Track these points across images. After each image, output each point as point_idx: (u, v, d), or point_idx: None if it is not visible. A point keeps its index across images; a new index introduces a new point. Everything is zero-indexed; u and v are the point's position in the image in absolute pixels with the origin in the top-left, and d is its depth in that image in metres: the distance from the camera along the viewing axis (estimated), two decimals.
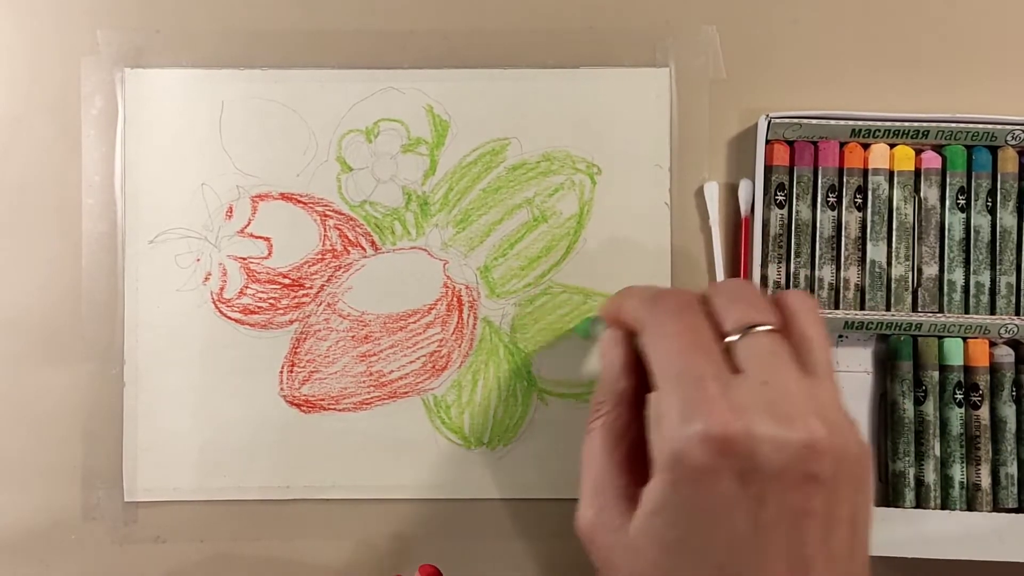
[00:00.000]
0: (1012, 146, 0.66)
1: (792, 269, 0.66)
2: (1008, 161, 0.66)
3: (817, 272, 0.66)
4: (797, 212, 0.66)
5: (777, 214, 0.66)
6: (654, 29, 0.67)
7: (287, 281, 0.66)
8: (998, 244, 0.66)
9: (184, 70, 0.66)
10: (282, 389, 0.66)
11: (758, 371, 0.46)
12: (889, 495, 0.66)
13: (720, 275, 0.66)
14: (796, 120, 0.65)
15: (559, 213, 0.66)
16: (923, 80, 0.68)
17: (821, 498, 0.44)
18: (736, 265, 0.67)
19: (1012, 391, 0.66)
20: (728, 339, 0.47)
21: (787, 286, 0.66)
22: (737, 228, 0.67)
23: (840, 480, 0.45)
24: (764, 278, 0.66)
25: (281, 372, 0.66)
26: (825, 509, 0.44)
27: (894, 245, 0.66)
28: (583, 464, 0.51)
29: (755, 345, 0.47)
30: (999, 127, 0.65)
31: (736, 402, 0.44)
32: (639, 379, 0.51)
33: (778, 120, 0.65)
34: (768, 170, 0.66)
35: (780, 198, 0.66)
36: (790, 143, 0.66)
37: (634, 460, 0.49)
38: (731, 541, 0.44)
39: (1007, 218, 0.66)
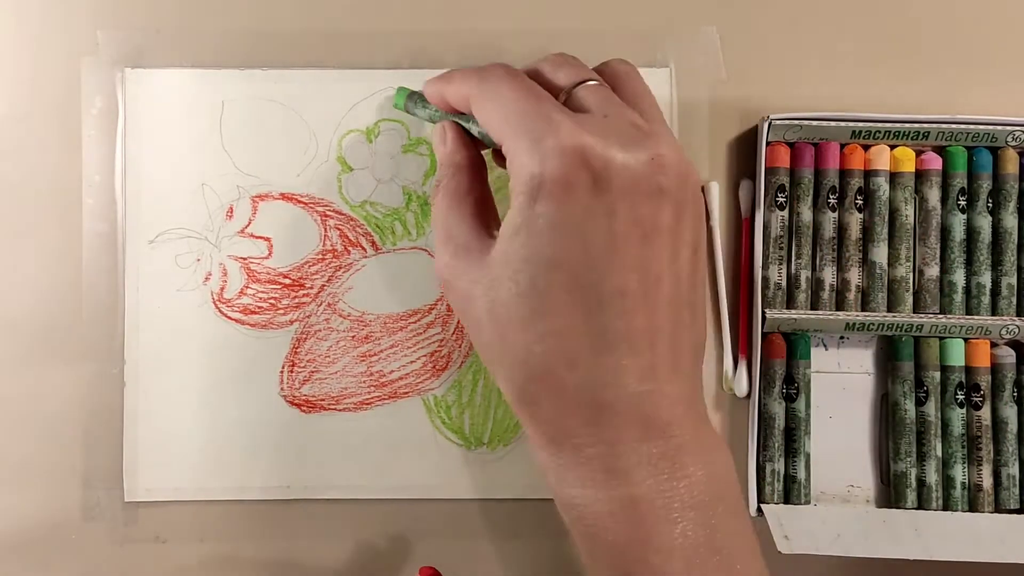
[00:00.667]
0: (1013, 147, 0.66)
1: (793, 271, 0.66)
2: (1009, 162, 0.66)
3: (818, 274, 0.66)
4: (798, 214, 0.66)
5: (778, 216, 0.66)
6: (654, 30, 0.67)
7: (287, 281, 0.66)
8: (999, 245, 0.66)
9: (185, 70, 0.66)
10: (282, 389, 0.65)
11: (598, 109, 0.49)
12: (891, 496, 0.66)
13: (721, 276, 0.66)
14: (796, 121, 0.65)
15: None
16: (924, 81, 0.68)
17: (668, 213, 0.47)
18: (737, 265, 0.67)
19: (1013, 392, 0.65)
20: (561, 98, 0.50)
21: (788, 287, 0.66)
22: (738, 228, 0.67)
23: (685, 199, 0.48)
24: (765, 279, 0.65)
25: (281, 372, 0.65)
26: (672, 225, 0.47)
27: (895, 246, 0.66)
28: (435, 226, 0.53)
29: (589, 94, 0.50)
30: (1000, 128, 0.65)
31: (584, 123, 0.46)
32: (472, 151, 0.54)
33: (778, 121, 0.65)
34: (769, 172, 0.65)
35: (781, 200, 0.66)
36: (791, 144, 0.66)
37: (481, 216, 0.52)
38: (586, 252, 0.45)
39: (1008, 219, 0.66)
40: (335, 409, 0.65)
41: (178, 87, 0.66)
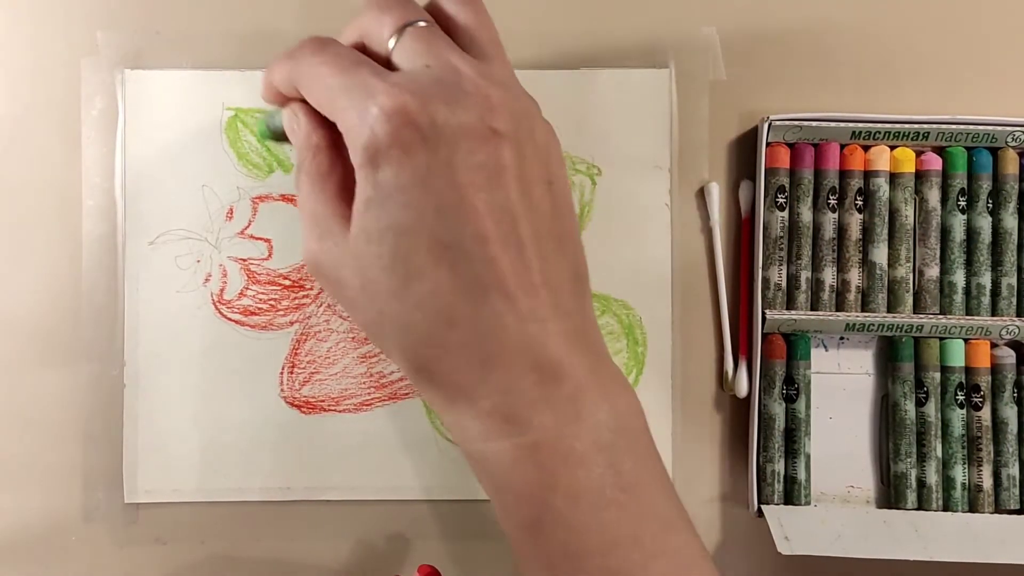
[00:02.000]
0: (1013, 147, 0.66)
1: (793, 271, 0.66)
2: (1009, 162, 0.66)
3: (818, 274, 0.66)
4: (798, 214, 0.66)
5: (778, 216, 0.65)
6: (654, 30, 0.67)
7: (287, 282, 0.65)
8: (999, 245, 0.66)
9: (184, 71, 0.66)
10: (282, 390, 0.65)
11: (419, 60, 0.47)
12: (891, 496, 0.66)
13: (721, 276, 0.66)
14: (796, 122, 0.65)
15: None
16: (923, 82, 0.68)
17: (508, 151, 0.46)
18: (737, 266, 0.67)
19: (1014, 392, 0.65)
20: (388, 48, 0.48)
21: (789, 288, 0.66)
22: (738, 229, 0.67)
23: (522, 135, 0.47)
24: (766, 280, 0.65)
25: (281, 373, 0.65)
26: (516, 163, 0.46)
27: (895, 247, 0.66)
28: (300, 213, 0.51)
29: (411, 42, 0.48)
30: (1000, 128, 0.65)
31: (402, 83, 0.45)
32: (329, 129, 0.51)
33: (778, 122, 0.65)
34: (769, 172, 0.65)
35: (781, 200, 0.66)
36: (791, 145, 0.66)
37: (342, 196, 0.49)
38: (438, 209, 0.45)
39: (1008, 219, 0.66)
40: (335, 410, 0.65)
41: (178, 88, 0.66)
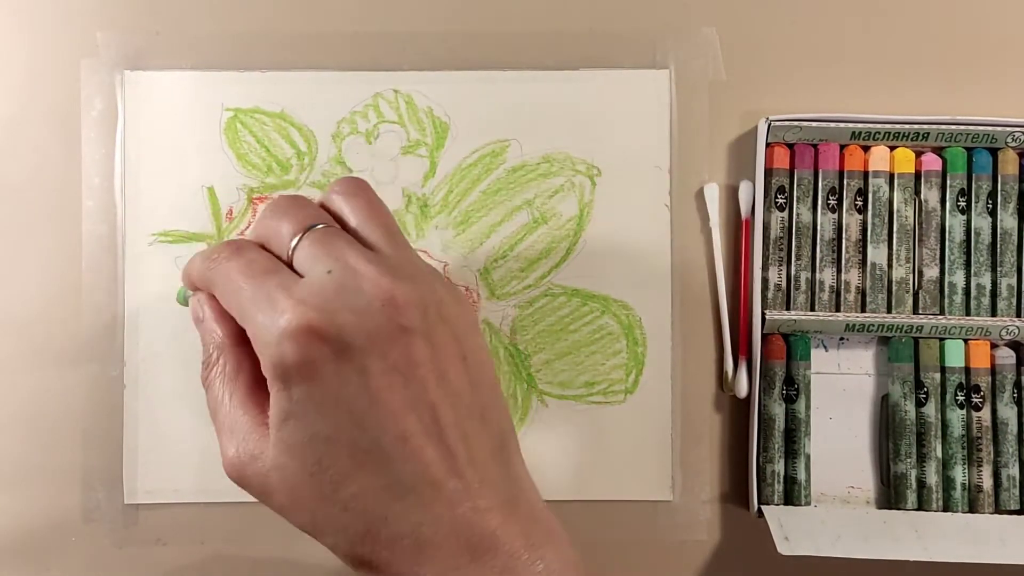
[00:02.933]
0: (1012, 148, 0.66)
1: (793, 272, 0.65)
2: (1008, 163, 0.65)
3: (818, 275, 0.65)
4: (798, 215, 0.65)
5: (778, 217, 0.65)
6: (654, 31, 0.67)
7: None
8: (999, 246, 0.65)
9: (184, 72, 0.66)
10: None
11: (320, 265, 0.47)
12: (891, 497, 0.65)
13: (721, 277, 0.66)
14: (796, 123, 0.64)
15: (559, 215, 0.66)
16: (923, 82, 0.67)
17: (420, 345, 0.46)
18: (737, 267, 0.66)
19: (1013, 393, 0.65)
20: (289, 253, 0.48)
21: (788, 289, 0.65)
22: (737, 230, 0.66)
23: (432, 324, 0.47)
24: (765, 280, 0.65)
25: None
26: (429, 354, 0.46)
27: (895, 247, 0.65)
28: (212, 417, 0.51)
29: (309, 244, 0.48)
30: (999, 129, 0.64)
31: (306, 296, 0.45)
32: (234, 325, 0.51)
33: (778, 123, 0.64)
34: (768, 173, 0.65)
35: (780, 201, 0.65)
36: (790, 146, 0.66)
37: (255, 396, 0.50)
38: (356, 417, 0.45)
39: (1008, 220, 0.65)
40: None
41: (178, 89, 0.66)
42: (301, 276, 0.47)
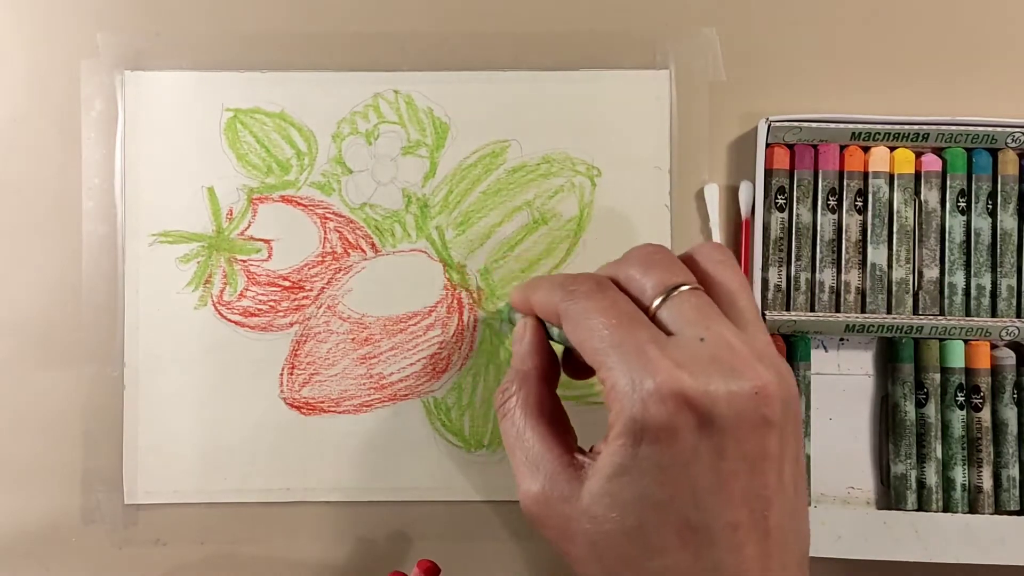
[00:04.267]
0: (1012, 148, 0.65)
1: (793, 272, 0.65)
2: (1008, 163, 0.65)
3: (818, 275, 0.65)
4: (797, 215, 0.65)
5: (778, 217, 0.65)
6: (654, 31, 0.66)
7: (287, 284, 0.65)
8: (999, 247, 0.65)
9: (184, 72, 0.65)
10: (282, 391, 0.65)
11: (692, 329, 0.46)
12: (891, 498, 0.65)
13: None
14: (796, 123, 0.64)
15: (559, 215, 0.65)
16: (923, 82, 0.67)
17: (774, 440, 0.45)
18: None
19: (1013, 393, 0.65)
20: (653, 307, 0.47)
21: (788, 289, 0.65)
22: (737, 230, 0.66)
23: (787, 421, 0.46)
24: (765, 281, 0.65)
25: (281, 374, 0.65)
26: (778, 450, 0.45)
27: (895, 248, 0.65)
28: (509, 445, 0.51)
29: (680, 305, 0.47)
30: (999, 129, 0.64)
31: (681, 359, 0.44)
32: (546, 359, 0.52)
33: (778, 123, 0.64)
34: (768, 173, 0.65)
35: (780, 201, 0.65)
36: (790, 146, 0.65)
37: (557, 432, 0.50)
38: (694, 494, 0.44)
39: (1008, 220, 0.65)
40: (335, 411, 0.65)
41: (178, 89, 0.65)
42: (667, 333, 0.46)
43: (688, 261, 0.50)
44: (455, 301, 0.65)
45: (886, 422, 0.66)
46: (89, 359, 0.65)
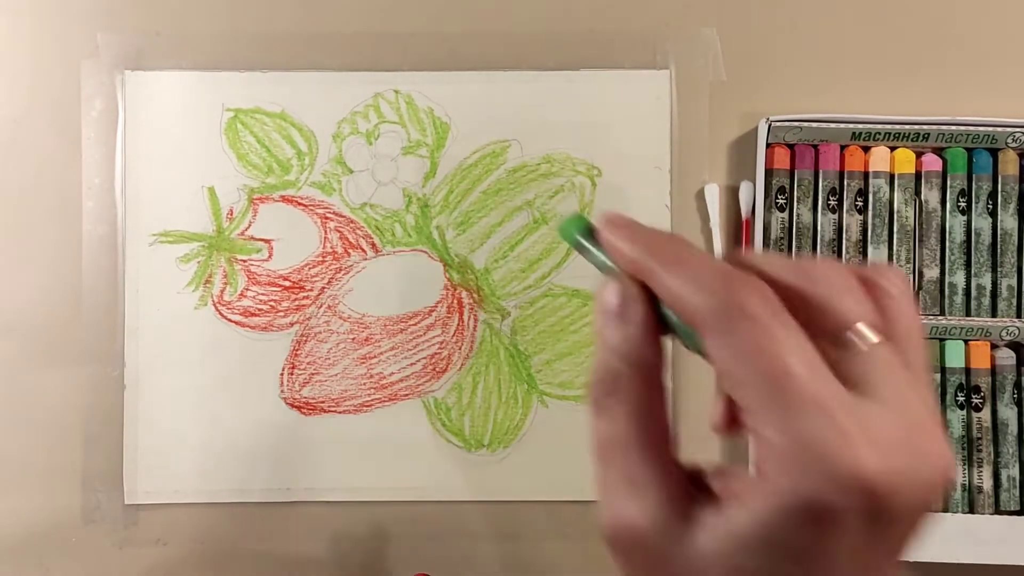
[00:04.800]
0: (1013, 148, 0.65)
1: None
2: (1009, 163, 0.65)
3: None
4: (798, 215, 0.64)
5: (778, 217, 0.64)
6: (654, 31, 0.66)
7: (288, 283, 0.64)
8: (999, 246, 0.64)
9: (184, 72, 0.65)
10: (283, 391, 0.64)
11: (884, 393, 0.36)
12: None
13: None
14: (796, 123, 0.63)
15: (560, 215, 0.65)
16: (923, 83, 0.66)
17: (919, 526, 0.37)
18: None
19: (1013, 393, 0.64)
20: (837, 350, 0.37)
21: None
22: (738, 229, 0.65)
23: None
24: None
25: (282, 374, 0.64)
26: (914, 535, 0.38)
27: (895, 248, 0.65)
28: (603, 455, 0.39)
29: (868, 361, 0.37)
30: (999, 129, 0.64)
31: (875, 437, 0.35)
32: (660, 350, 0.38)
33: (778, 123, 0.63)
34: (769, 174, 0.64)
35: (781, 201, 0.64)
36: (790, 146, 0.65)
37: (667, 451, 0.39)
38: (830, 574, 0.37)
39: (1008, 220, 0.64)
40: (335, 411, 0.64)
41: (178, 89, 0.65)
42: (851, 383, 0.36)
43: (866, 283, 0.39)
44: (455, 301, 0.64)
45: None
46: (89, 359, 0.64)
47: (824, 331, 0.37)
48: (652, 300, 0.38)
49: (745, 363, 0.35)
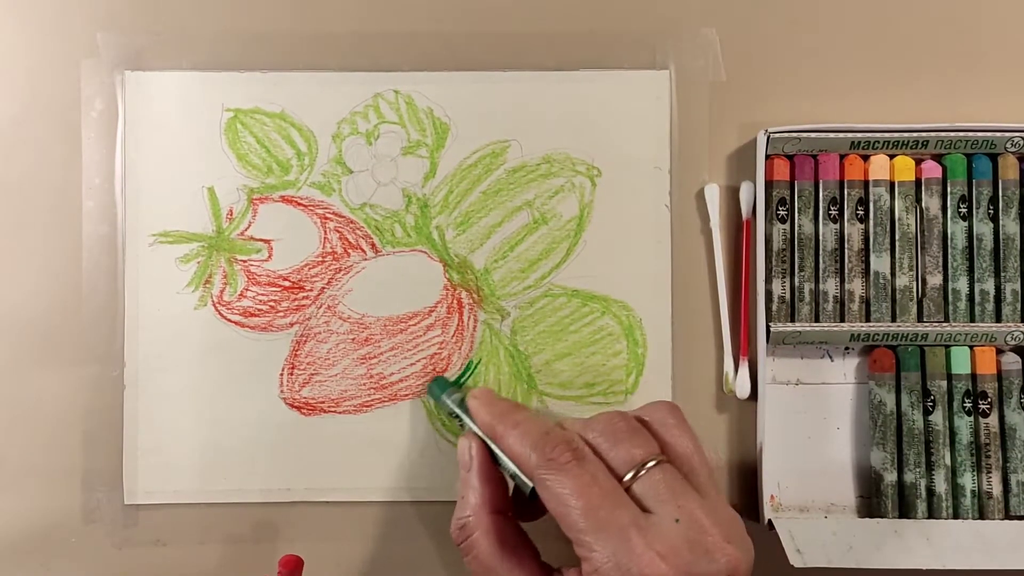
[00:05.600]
0: (1012, 153, 0.63)
1: (796, 283, 0.63)
2: (1009, 168, 0.63)
3: (821, 285, 0.63)
4: (799, 226, 0.63)
5: (779, 228, 0.63)
6: (654, 32, 0.65)
7: (287, 284, 0.63)
8: (1001, 251, 0.63)
9: (184, 72, 0.64)
10: (282, 391, 0.63)
11: (665, 508, 0.47)
12: (901, 506, 0.62)
13: (721, 278, 0.64)
14: (795, 134, 0.62)
15: (559, 215, 0.64)
16: (922, 89, 0.65)
17: None
18: (737, 268, 0.64)
19: (1020, 398, 0.62)
20: (625, 480, 0.48)
21: (792, 300, 0.63)
22: (738, 230, 0.64)
23: None
24: (769, 293, 0.63)
25: (281, 375, 0.63)
26: None
27: (897, 256, 0.63)
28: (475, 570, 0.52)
29: (651, 483, 0.48)
30: (999, 134, 0.62)
31: (661, 548, 0.45)
32: (499, 486, 0.53)
33: (777, 134, 0.62)
34: (769, 185, 0.63)
35: (782, 212, 0.63)
36: (790, 157, 0.64)
37: (524, 559, 0.51)
38: None
39: (1010, 225, 0.63)
40: (335, 411, 0.63)
41: (178, 89, 0.64)
42: (642, 509, 0.47)
43: (643, 422, 0.51)
44: (455, 301, 0.63)
45: (897, 430, 0.63)
46: (89, 359, 0.63)
47: (619, 464, 0.48)
48: (489, 451, 0.54)
49: (563, 504, 0.47)
